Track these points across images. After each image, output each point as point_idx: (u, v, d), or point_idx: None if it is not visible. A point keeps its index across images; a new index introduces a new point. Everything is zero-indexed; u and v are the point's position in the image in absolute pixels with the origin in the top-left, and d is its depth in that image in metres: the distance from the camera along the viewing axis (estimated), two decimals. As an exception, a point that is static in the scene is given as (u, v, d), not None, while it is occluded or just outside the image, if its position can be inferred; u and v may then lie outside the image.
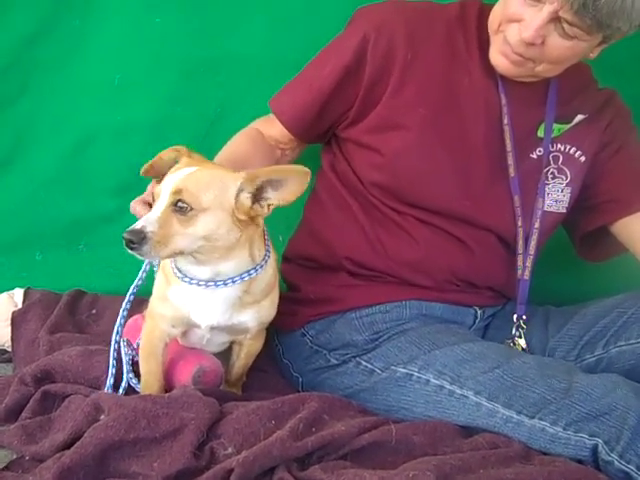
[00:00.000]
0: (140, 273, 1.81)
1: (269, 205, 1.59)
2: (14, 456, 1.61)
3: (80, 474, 1.46)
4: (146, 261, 1.78)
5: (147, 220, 1.50)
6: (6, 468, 1.56)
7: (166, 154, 1.65)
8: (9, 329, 2.16)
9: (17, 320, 2.17)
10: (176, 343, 1.84)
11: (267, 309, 1.78)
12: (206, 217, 1.53)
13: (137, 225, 1.49)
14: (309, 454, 1.56)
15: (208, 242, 1.55)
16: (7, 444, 1.63)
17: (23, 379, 1.81)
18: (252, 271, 1.66)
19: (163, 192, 1.53)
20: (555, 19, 1.70)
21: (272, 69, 2.26)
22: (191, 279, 1.64)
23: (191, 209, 1.52)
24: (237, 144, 1.98)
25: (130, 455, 1.52)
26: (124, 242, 1.48)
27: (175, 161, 1.63)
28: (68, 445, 1.54)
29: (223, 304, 1.68)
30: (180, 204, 1.51)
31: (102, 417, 1.57)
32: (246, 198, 1.58)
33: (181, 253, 1.55)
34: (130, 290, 1.81)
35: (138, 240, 1.47)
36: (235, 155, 1.90)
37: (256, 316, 1.75)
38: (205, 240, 1.54)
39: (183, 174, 1.55)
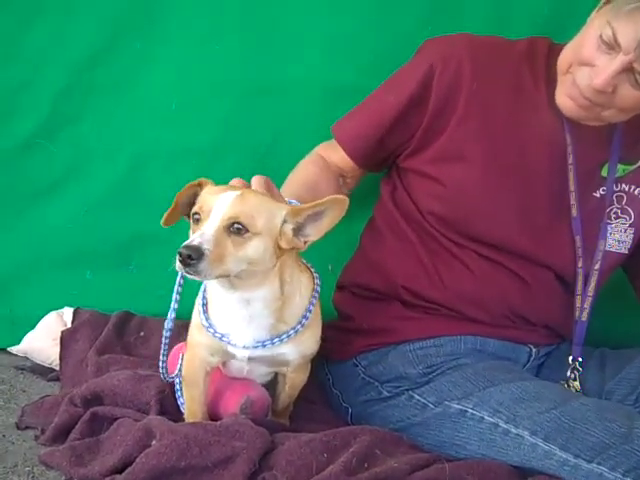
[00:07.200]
0: (174, 295, 1.74)
1: (306, 242, 1.59)
2: (63, 478, 1.60)
3: (131, 500, 1.45)
4: (177, 284, 1.73)
5: (203, 238, 1.46)
6: (56, 490, 1.56)
7: (185, 192, 1.60)
8: (57, 348, 2.17)
9: (66, 339, 2.18)
10: (222, 373, 1.82)
11: (308, 342, 1.74)
12: (257, 241, 1.52)
13: (193, 242, 1.44)
14: (362, 490, 1.52)
15: (251, 266, 1.53)
16: (56, 465, 1.63)
17: (72, 400, 1.81)
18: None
19: (215, 212, 1.50)
20: (628, 69, 1.67)
21: (328, 95, 2.27)
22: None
23: (246, 231, 1.50)
24: (305, 170, 2.00)
25: (181, 483, 1.50)
26: (179, 258, 1.43)
27: (195, 196, 1.60)
28: (118, 469, 1.53)
29: (257, 332, 1.66)
30: (237, 226, 1.49)
31: (153, 442, 1.55)
32: (289, 229, 1.57)
33: (227, 275, 1.52)
34: (170, 313, 1.74)
35: (197, 256, 1.42)
36: (306, 180, 1.92)
37: (296, 349, 1.72)
38: (249, 264, 1.53)
39: (233, 197, 1.52)
